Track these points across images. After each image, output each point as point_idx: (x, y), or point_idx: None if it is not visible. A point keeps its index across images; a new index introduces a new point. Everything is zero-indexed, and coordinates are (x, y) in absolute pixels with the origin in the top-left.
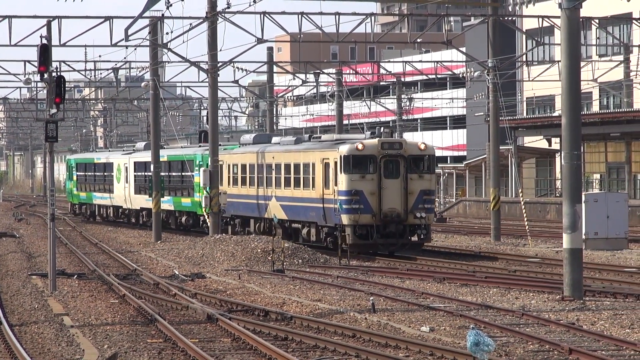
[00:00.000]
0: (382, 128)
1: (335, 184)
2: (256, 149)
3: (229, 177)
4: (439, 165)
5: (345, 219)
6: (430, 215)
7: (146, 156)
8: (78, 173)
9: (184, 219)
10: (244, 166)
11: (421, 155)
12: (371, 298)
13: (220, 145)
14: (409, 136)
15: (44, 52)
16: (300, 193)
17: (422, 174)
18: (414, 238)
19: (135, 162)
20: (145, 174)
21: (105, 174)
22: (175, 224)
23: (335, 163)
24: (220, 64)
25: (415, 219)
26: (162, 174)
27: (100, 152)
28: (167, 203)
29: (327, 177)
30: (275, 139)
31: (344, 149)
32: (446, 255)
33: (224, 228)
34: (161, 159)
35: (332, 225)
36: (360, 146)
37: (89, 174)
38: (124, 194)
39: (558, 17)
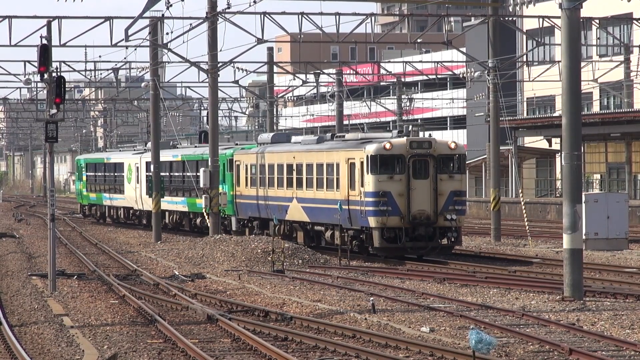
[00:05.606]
0: (409, 126)
1: (362, 185)
2: (275, 148)
3: (246, 177)
4: None
5: (372, 221)
6: (462, 217)
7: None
8: (88, 173)
9: (198, 220)
10: (262, 166)
11: (451, 155)
12: (371, 298)
13: (237, 144)
14: None
15: (44, 52)
16: (324, 194)
17: (452, 174)
18: (444, 241)
19: (147, 162)
20: None
21: (115, 174)
22: (189, 225)
23: (362, 163)
24: (220, 64)
25: (446, 221)
26: (176, 174)
27: (111, 152)
28: (181, 204)
29: (352, 178)
30: (295, 138)
31: (370, 149)
32: (446, 255)
33: (241, 230)
34: (175, 159)
35: (357, 228)
36: (388, 145)
37: (99, 174)
38: (135, 194)
39: (558, 17)
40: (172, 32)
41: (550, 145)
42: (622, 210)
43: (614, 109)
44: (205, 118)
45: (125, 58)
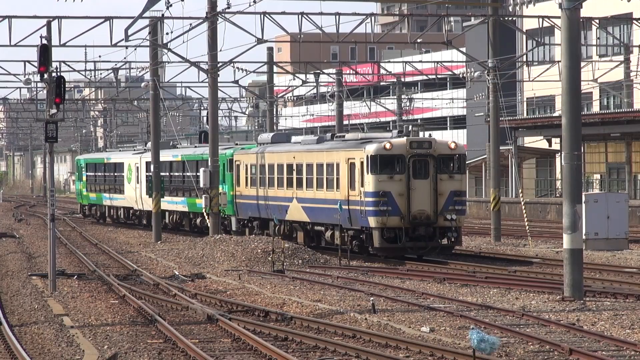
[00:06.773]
0: (409, 126)
1: (362, 185)
2: (275, 148)
3: (246, 177)
4: None
5: (372, 221)
6: (462, 217)
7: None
8: (88, 173)
9: (198, 220)
10: (262, 166)
11: (451, 155)
12: (371, 298)
13: (237, 144)
14: None
15: (44, 52)
16: (324, 194)
17: (452, 174)
18: (444, 241)
19: (147, 162)
20: None
21: (115, 174)
22: (189, 225)
23: (362, 163)
24: (220, 64)
25: (446, 221)
26: (176, 174)
27: (111, 152)
28: (181, 204)
29: (352, 178)
30: (295, 138)
31: (370, 149)
32: (446, 255)
33: (241, 230)
34: (175, 159)
35: (358, 228)
36: (388, 145)
37: (99, 174)
38: (135, 194)
39: (558, 17)
40: (172, 32)
41: (550, 145)
42: (622, 210)
43: (614, 109)
44: (205, 118)
45: (125, 58)
